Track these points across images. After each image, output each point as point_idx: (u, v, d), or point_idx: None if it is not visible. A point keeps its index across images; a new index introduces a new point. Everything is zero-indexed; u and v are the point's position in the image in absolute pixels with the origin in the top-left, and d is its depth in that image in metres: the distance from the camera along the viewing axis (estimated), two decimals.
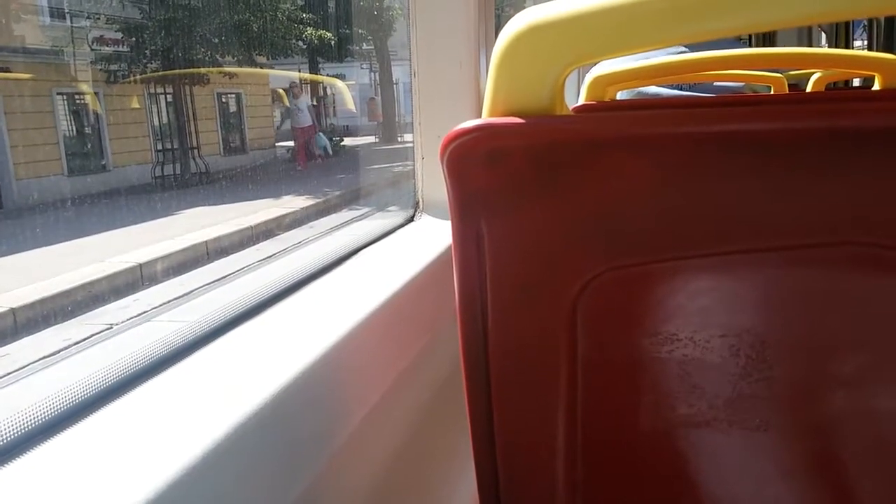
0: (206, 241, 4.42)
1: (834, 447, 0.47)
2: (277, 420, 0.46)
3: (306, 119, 9.73)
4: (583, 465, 0.47)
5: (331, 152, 9.35)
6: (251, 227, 4.98)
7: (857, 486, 0.47)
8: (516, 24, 0.40)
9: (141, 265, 3.74)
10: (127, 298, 3.26)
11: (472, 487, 0.49)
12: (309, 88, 10.44)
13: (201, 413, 0.44)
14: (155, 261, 3.89)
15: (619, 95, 1.10)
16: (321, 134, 9.53)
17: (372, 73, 12.90)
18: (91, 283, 3.36)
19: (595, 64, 0.99)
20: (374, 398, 0.63)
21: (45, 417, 0.42)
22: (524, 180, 0.41)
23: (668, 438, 0.47)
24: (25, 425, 0.41)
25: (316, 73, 10.56)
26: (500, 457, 0.47)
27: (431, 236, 0.92)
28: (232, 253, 4.36)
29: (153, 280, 3.64)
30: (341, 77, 12.60)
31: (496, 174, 0.41)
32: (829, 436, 0.46)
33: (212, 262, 4.20)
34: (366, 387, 0.63)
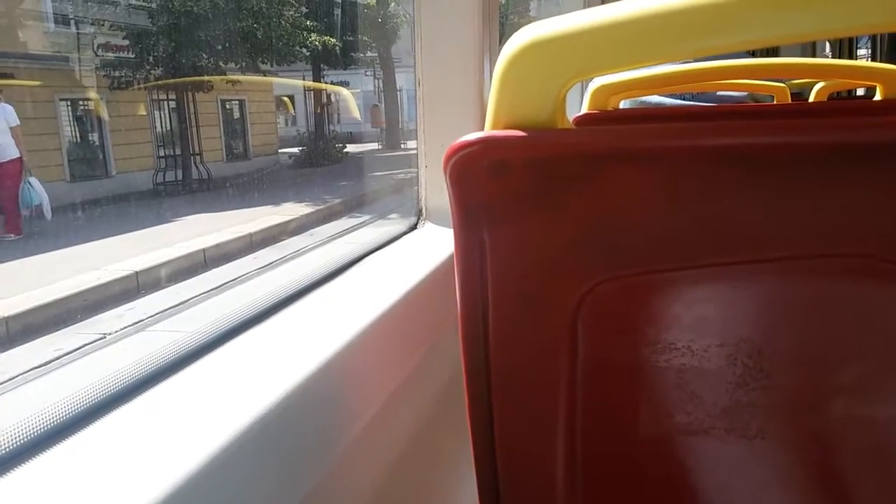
0: (203, 249, 4.36)
1: (831, 456, 0.47)
2: (280, 427, 0.47)
3: (5, 149, 4.43)
4: (582, 473, 0.47)
5: (49, 215, 4.23)
6: (250, 234, 4.93)
7: (854, 494, 0.48)
8: (519, 39, 0.41)
9: (137, 273, 3.70)
10: (121, 308, 3.21)
11: (473, 495, 0.49)
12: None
13: (205, 419, 0.44)
14: (151, 269, 3.85)
15: (622, 104, 1.10)
16: (34, 182, 4.33)
17: (376, 80, 12.97)
18: (85, 292, 3.31)
19: None
20: (376, 405, 0.63)
21: (50, 424, 0.43)
22: (526, 192, 0.42)
23: (667, 446, 0.47)
24: (28, 433, 0.42)
25: (319, 81, 10.58)
26: (500, 465, 0.47)
27: (434, 244, 0.92)
28: (230, 261, 4.31)
29: (149, 288, 3.60)
30: (345, 84, 12.67)
31: (498, 186, 0.42)
32: (827, 444, 0.47)
33: (209, 269, 4.15)
34: (368, 394, 0.63)
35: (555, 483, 0.47)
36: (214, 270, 4.07)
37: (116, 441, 0.42)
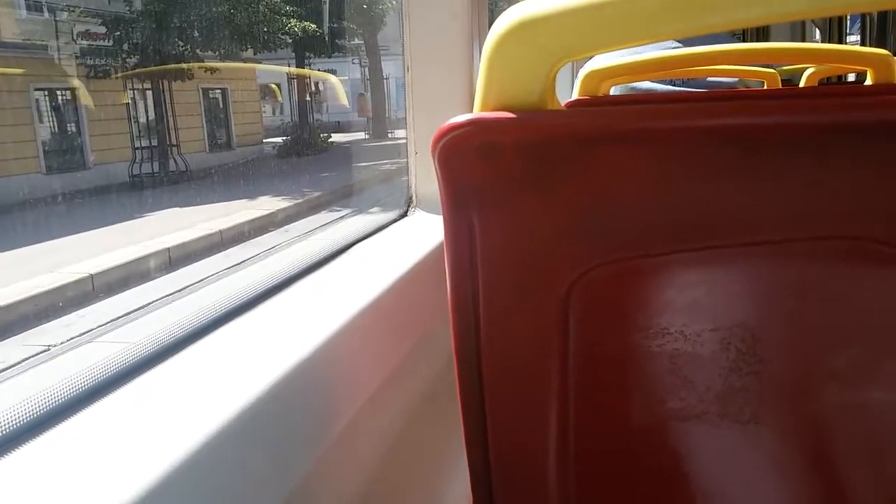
0: (168, 248, 4.18)
1: (824, 440, 0.47)
2: (267, 418, 0.47)
3: None
4: (575, 461, 0.47)
5: None
6: (220, 231, 4.73)
7: (848, 478, 0.48)
8: (507, 19, 0.40)
9: (93, 276, 3.49)
10: (72, 315, 2.99)
11: (466, 485, 0.49)
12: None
13: (193, 409, 0.44)
14: (110, 271, 3.65)
15: (613, 90, 1.09)
16: None
17: (362, 69, 12.85)
18: (34, 298, 3.09)
19: (589, 59, 0.99)
20: (366, 395, 0.63)
21: (34, 413, 0.42)
22: (515, 174, 0.41)
23: (660, 433, 0.48)
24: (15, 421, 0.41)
25: (303, 68, 10.43)
26: (492, 454, 0.47)
27: (425, 231, 0.92)
28: (199, 259, 4.14)
29: (106, 292, 3.40)
30: (332, 72, 12.53)
31: (488, 168, 0.41)
32: (820, 429, 0.47)
33: (175, 270, 3.98)
34: (357, 383, 0.62)
35: (547, 472, 0.47)
36: (179, 271, 3.92)
37: (103, 430, 0.42)
